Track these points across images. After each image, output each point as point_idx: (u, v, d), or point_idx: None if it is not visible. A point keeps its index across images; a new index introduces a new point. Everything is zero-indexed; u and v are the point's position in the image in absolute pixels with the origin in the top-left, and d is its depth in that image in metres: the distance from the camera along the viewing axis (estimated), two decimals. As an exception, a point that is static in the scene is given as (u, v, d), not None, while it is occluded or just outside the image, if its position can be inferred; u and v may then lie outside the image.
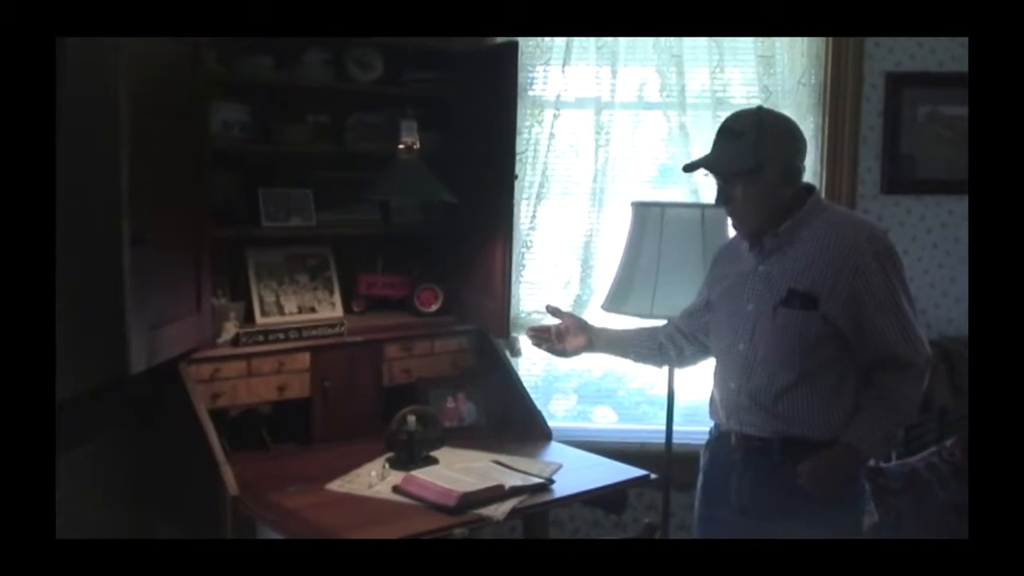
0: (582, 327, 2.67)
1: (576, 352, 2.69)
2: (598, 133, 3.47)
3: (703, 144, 3.40)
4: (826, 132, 3.48)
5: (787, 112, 3.38)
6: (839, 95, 3.46)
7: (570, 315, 2.73)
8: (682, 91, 3.43)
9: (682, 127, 3.44)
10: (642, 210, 3.02)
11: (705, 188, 3.36)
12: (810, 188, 2.28)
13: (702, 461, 2.43)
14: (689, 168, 2.28)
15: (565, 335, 2.66)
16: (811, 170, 3.46)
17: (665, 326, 2.63)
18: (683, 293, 2.65)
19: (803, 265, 2.19)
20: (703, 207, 3.00)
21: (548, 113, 3.43)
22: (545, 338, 2.69)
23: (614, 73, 3.45)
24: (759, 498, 2.25)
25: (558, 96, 3.43)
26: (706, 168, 2.26)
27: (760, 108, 2.30)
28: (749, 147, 2.18)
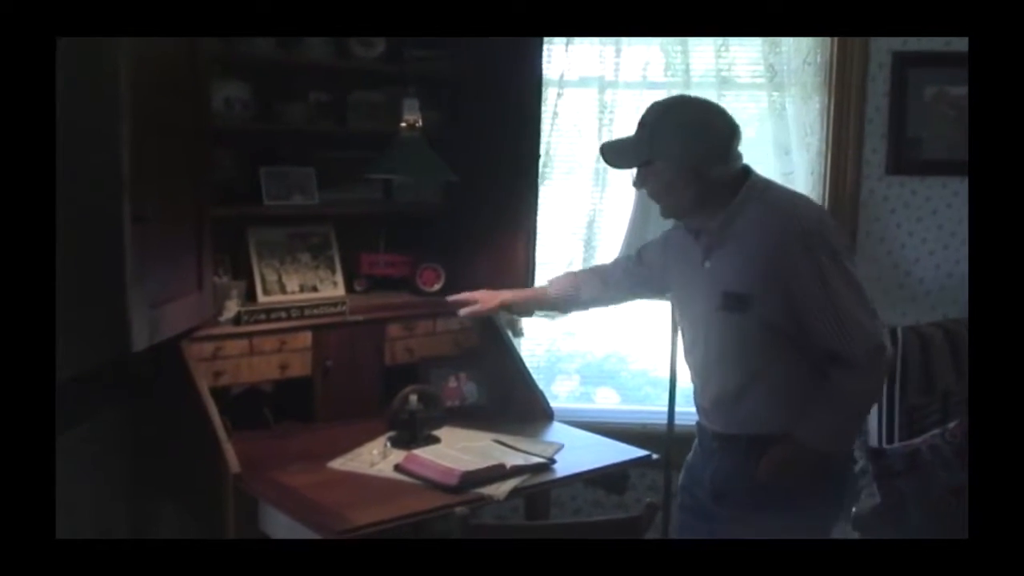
0: (523, 303, 2.77)
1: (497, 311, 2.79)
2: (602, 112, 3.45)
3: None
4: (831, 112, 3.46)
5: (792, 92, 3.40)
6: (845, 74, 3.43)
7: (483, 294, 2.75)
8: (687, 70, 3.41)
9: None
10: (644, 193, 2.99)
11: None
12: (746, 172, 2.19)
13: (696, 439, 2.45)
14: (601, 152, 2.31)
15: (479, 300, 2.72)
16: (816, 150, 3.45)
17: (606, 271, 2.65)
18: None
19: (738, 265, 2.13)
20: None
21: (551, 92, 3.41)
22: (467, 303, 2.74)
23: (618, 52, 3.43)
24: (732, 488, 2.23)
25: (561, 75, 3.41)
26: (608, 158, 2.27)
27: (675, 98, 2.29)
28: (644, 140, 2.16)
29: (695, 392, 2.35)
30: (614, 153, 2.28)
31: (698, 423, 2.39)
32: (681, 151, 2.13)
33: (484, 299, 2.71)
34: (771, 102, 3.41)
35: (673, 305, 2.38)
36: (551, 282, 2.73)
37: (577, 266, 3.50)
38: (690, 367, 2.36)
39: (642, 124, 2.18)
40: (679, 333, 2.41)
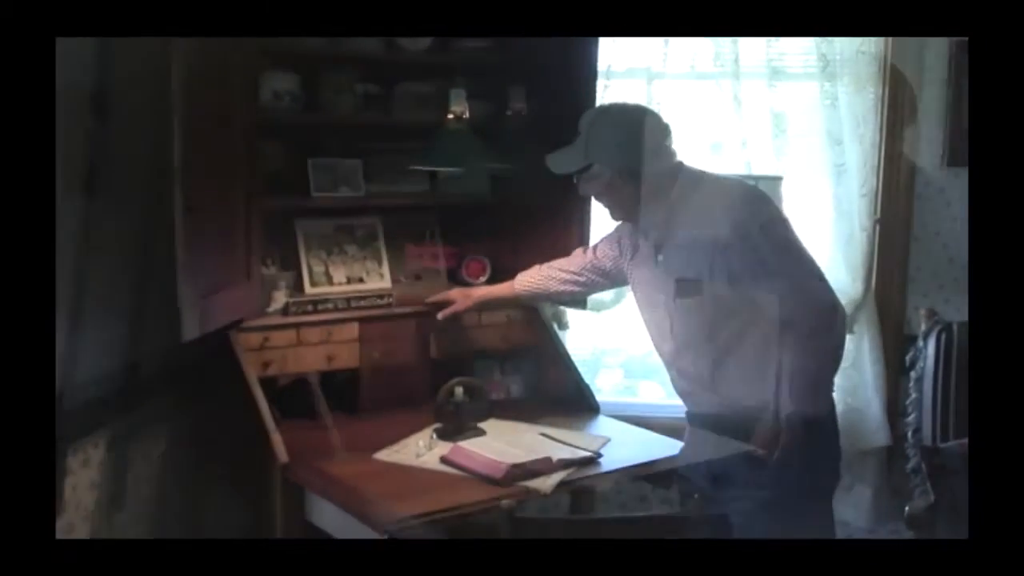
0: (492, 300, 2.88)
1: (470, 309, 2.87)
2: (649, 104, 3.41)
3: (757, 116, 3.35)
4: (886, 102, 3.38)
5: (845, 82, 3.33)
6: (900, 64, 3.35)
7: (457, 293, 2.87)
8: (736, 60, 3.36)
9: (736, 98, 3.37)
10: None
11: (758, 161, 3.30)
12: (678, 167, 2.32)
13: None
14: (548, 163, 2.41)
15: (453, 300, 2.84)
16: (869, 141, 3.38)
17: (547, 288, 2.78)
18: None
19: (686, 254, 2.24)
20: (756, 179, 2.95)
21: (598, 83, 3.37)
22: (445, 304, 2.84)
23: (666, 42, 3.38)
24: (727, 471, 2.31)
25: (608, 66, 3.37)
26: (551, 166, 2.38)
27: (608, 104, 2.45)
28: (580, 148, 2.28)
29: (672, 381, 2.47)
30: (556, 161, 2.39)
31: (686, 412, 2.50)
32: (616, 153, 2.26)
33: (458, 298, 2.83)
34: (823, 92, 3.34)
35: (637, 303, 2.47)
36: (519, 278, 2.83)
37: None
38: (663, 359, 2.46)
39: (577, 131, 2.30)
40: (646, 329, 2.51)
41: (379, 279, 3.06)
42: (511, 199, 3.14)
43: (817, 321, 2.19)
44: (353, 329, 2.84)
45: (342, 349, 2.82)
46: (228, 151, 2.51)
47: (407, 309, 2.94)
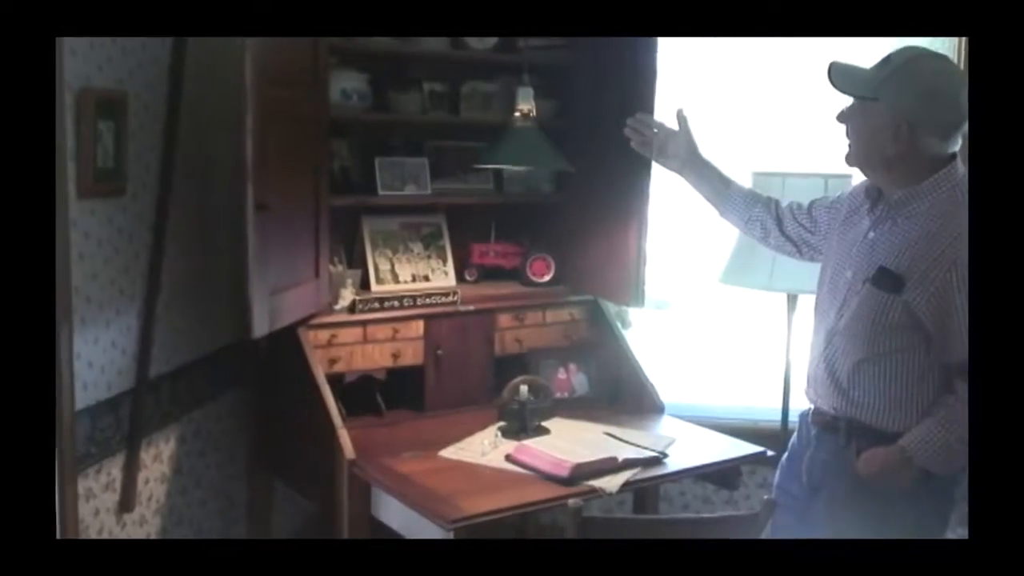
0: (689, 147, 2.51)
1: (665, 164, 2.57)
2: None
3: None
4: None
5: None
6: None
7: (688, 130, 2.53)
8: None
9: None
10: (762, 180, 2.92)
11: (825, 158, 3.24)
12: (950, 158, 2.05)
13: (794, 434, 2.36)
14: (830, 69, 2.10)
15: (667, 144, 2.53)
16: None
17: (768, 204, 2.47)
18: (803, 265, 2.54)
19: (905, 243, 2.02)
20: (826, 177, 2.89)
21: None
22: (646, 137, 2.57)
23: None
24: (828, 480, 2.15)
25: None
26: (833, 75, 2.08)
27: (933, 53, 2.11)
28: (880, 77, 2.03)
29: (810, 363, 2.26)
30: (842, 75, 2.10)
31: (800, 414, 2.32)
32: (909, 103, 2.01)
33: (676, 140, 2.53)
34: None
35: (823, 270, 2.28)
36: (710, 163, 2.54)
37: (690, 257, 3.45)
38: (814, 333, 2.26)
39: (886, 60, 2.06)
40: (815, 303, 2.29)
41: (444, 277, 3.07)
42: (575, 198, 3.12)
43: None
44: (419, 326, 2.86)
45: (408, 347, 2.84)
46: (298, 150, 2.54)
47: (472, 307, 2.95)
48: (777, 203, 2.47)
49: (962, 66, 3.12)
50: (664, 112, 2.76)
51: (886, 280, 2.02)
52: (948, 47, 3.22)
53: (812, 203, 2.42)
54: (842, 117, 2.14)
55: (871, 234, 2.12)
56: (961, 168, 2.06)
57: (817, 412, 2.21)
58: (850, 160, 2.16)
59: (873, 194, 2.15)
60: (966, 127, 1.99)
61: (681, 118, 2.53)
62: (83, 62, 2.19)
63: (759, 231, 2.47)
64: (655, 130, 2.56)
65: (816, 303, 2.29)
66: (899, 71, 2.03)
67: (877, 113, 2.04)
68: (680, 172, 2.55)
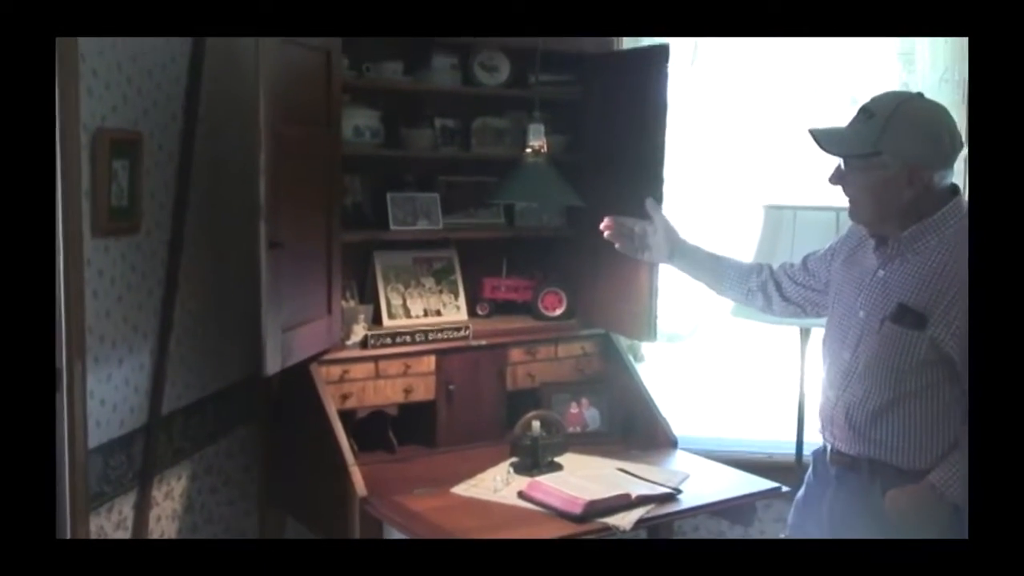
0: (670, 236, 2.49)
1: (651, 260, 2.56)
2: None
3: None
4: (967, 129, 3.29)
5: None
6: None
7: (663, 219, 2.51)
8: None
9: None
10: (774, 213, 2.92)
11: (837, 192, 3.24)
12: (953, 191, 2.06)
13: (808, 470, 2.33)
14: (813, 136, 2.09)
15: (647, 238, 2.51)
16: (955, 170, 3.29)
17: (760, 271, 2.46)
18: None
19: (921, 279, 2.01)
20: (837, 210, 2.88)
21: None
22: (626, 235, 2.54)
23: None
24: (851, 520, 2.11)
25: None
26: (823, 143, 2.07)
27: (908, 94, 2.13)
28: (874, 131, 2.01)
29: (824, 405, 2.22)
30: (833, 140, 2.09)
31: (814, 451, 2.28)
32: (916, 147, 2.01)
33: (656, 232, 2.50)
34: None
35: (830, 310, 2.25)
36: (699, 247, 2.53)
37: (701, 289, 3.43)
38: (827, 375, 2.23)
39: (870, 113, 2.05)
40: (823, 342, 2.27)
41: (456, 311, 3.07)
42: (587, 232, 3.12)
43: None
44: (430, 362, 2.85)
45: (420, 382, 2.84)
46: (311, 187, 2.55)
47: (484, 341, 2.94)
48: (770, 268, 2.47)
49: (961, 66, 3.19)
50: (674, 143, 2.78)
51: (908, 317, 2.01)
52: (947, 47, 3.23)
53: (806, 258, 2.42)
54: (836, 179, 2.13)
55: (880, 272, 2.10)
56: (961, 196, 2.07)
57: (836, 452, 2.18)
58: (858, 217, 2.14)
59: (877, 236, 2.14)
60: (960, 151, 2.03)
61: (652, 207, 2.52)
62: (98, 102, 2.21)
63: (761, 300, 2.46)
64: (634, 227, 2.53)
65: (825, 341, 2.27)
66: (894, 119, 2.02)
67: (883, 165, 2.03)
68: (670, 262, 2.54)
